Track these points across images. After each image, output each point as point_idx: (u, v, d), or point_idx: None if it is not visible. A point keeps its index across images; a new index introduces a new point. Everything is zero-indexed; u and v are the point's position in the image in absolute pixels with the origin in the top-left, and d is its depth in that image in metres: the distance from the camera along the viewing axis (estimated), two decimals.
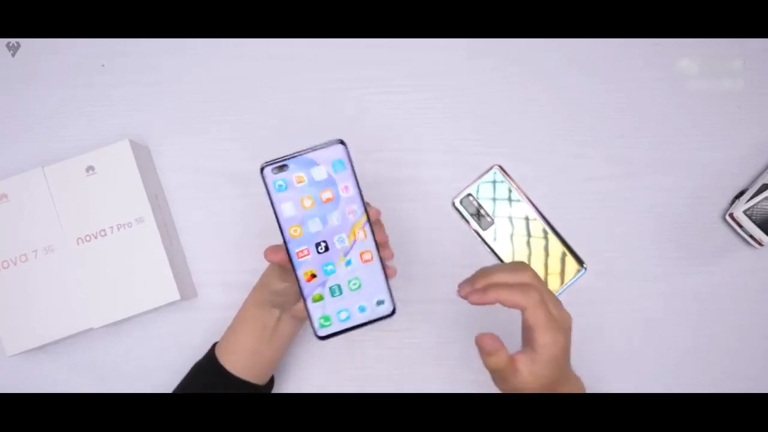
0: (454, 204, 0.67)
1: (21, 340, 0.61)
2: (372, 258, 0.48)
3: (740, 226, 0.65)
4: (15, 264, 0.61)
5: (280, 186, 0.47)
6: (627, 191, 0.68)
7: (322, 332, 0.48)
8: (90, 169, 0.62)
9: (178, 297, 0.61)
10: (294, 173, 0.46)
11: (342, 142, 0.47)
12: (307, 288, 0.48)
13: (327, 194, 0.47)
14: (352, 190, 0.47)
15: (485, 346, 0.45)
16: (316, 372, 0.66)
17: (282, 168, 0.46)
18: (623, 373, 0.66)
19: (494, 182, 0.67)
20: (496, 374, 0.46)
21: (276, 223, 0.47)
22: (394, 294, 0.48)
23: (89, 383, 0.66)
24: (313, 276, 0.48)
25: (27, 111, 0.68)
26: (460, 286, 0.48)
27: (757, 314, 0.67)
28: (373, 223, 0.49)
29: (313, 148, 0.46)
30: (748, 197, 0.65)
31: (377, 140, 0.68)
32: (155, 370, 0.66)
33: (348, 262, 0.48)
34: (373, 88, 0.69)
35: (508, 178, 0.67)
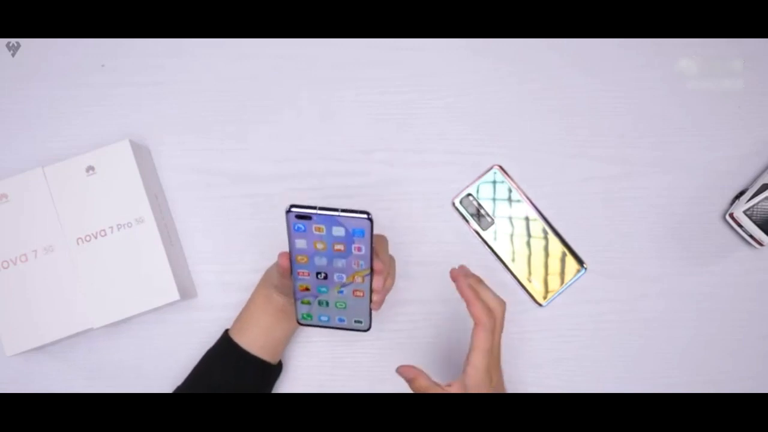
0: (454, 204, 0.67)
1: (21, 340, 0.60)
2: (363, 296, 0.53)
3: (740, 226, 0.65)
4: (15, 264, 0.61)
5: (300, 228, 0.48)
6: (627, 191, 0.68)
7: (302, 322, 0.56)
8: (90, 169, 0.62)
9: (178, 297, 0.61)
10: (315, 224, 0.48)
11: (369, 218, 0.47)
12: (299, 294, 0.53)
13: (339, 246, 0.49)
14: (365, 251, 0.49)
15: (406, 374, 0.50)
16: (314, 371, 0.66)
17: (306, 217, 0.47)
18: (623, 373, 0.66)
19: (494, 182, 0.67)
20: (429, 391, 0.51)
21: (287, 243, 0.49)
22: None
23: (89, 383, 0.66)
24: (307, 289, 0.53)
25: (27, 111, 0.68)
26: (459, 268, 0.54)
27: (757, 314, 0.67)
28: (376, 271, 0.51)
29: (341, 212, 0.47)
30: (748, 197, 0.65)
31: (377, 140, 0.68)
32: (155, 370, 0.66)
33: (341, 292, 0.52)
34: (373, 88, 0.69)
35: (508, 178, 0.67)
